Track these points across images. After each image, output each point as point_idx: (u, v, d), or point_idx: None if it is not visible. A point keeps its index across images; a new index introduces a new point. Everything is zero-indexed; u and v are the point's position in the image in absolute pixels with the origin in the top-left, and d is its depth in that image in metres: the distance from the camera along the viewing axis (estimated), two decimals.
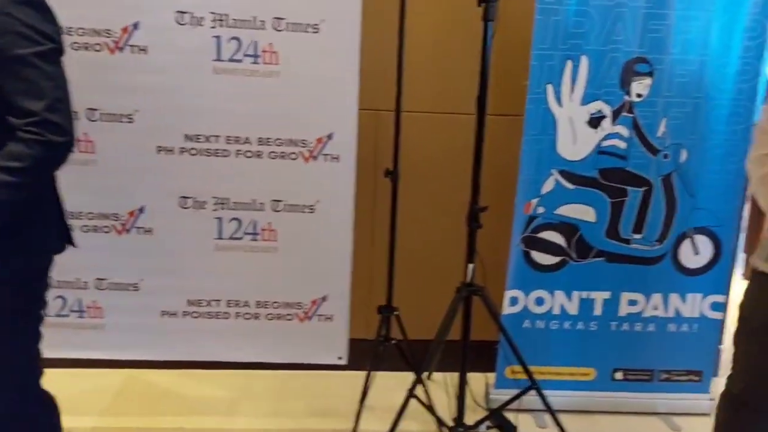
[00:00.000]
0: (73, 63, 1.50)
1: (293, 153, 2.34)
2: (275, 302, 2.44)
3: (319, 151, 2.35)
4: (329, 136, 2.35)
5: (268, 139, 2.32)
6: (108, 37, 2.19)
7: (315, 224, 2.40)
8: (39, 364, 1.61)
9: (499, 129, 2.55)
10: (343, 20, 2.26)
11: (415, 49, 2.48)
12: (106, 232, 2.32)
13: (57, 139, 1.39)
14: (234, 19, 2.23)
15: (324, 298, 2.45)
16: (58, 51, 1.44)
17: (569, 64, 2.40)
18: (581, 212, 2.55)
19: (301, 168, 2.36)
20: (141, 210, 2.32)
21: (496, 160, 2.45)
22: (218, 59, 2.25)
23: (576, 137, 2.47)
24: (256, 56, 2.27)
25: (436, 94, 2.76)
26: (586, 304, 2.62)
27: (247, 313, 2.43)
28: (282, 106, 2.31)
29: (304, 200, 2.39)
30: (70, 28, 2.13)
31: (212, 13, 2.22)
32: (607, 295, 2.63)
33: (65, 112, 1.42)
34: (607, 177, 2.53)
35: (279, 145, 2.33)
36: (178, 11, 2.20)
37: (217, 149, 2.31)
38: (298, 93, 2.31)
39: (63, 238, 1.62)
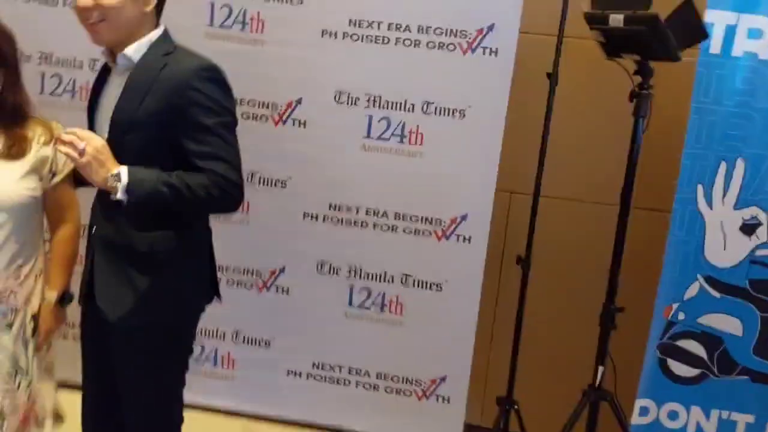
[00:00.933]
0: (241, 131, 1.64)
1: (427, 230, 2.40)
2: (395, 376, 2.45)
3: (451, 231, 2.39)
4: (463, 217, 2.38)
5: (405, 215, 2.41)
6: (275, 110, 2.41)
7: (441, 303, 2.41)
8: (182, 409, 1.73)
9: (643, 223, 2.45)
10: (490, 107, 2.33)
11: (560, 135, 2.48)
12: (248, 288, 2.48)
13: (234, 194, 1.54)
14: (386, 101, 2.38)
15: (443, 379, 2.43)
16: (235, 123, 1.61)
17: (723, 166, 2.29)
18: (727, 324, 2.35)
19: (433, 246, 2.40)
20: (282, 270, 2.46)
21: (636, 256, 2.35)
22: (368, 137, 2.40)
23: (726, 243, 2.32)
24: (402, 136, 2.39)
25: (577, 180, 2.72)
26: (726, 427, 2.38)
27: (367, 383, 2.46)
28: (421, 185, 2.40)
29: (433, 278, 2.42)
30: (242, 99, 2.37)
31: (367, 94, 2.38)
32: (750, 418, 2.36)
33: (240, 175, 1.57)
34: (758, 289, 2.33)
35: (414, 222, 2.40)
36: (338, 91, 2.39)
37: (356, 220, 2.42)
38: (438, 173, 2.38)
39: (212, 290, 1.75)
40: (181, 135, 1.51)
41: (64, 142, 1.38)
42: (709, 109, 2.27)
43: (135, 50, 1.55)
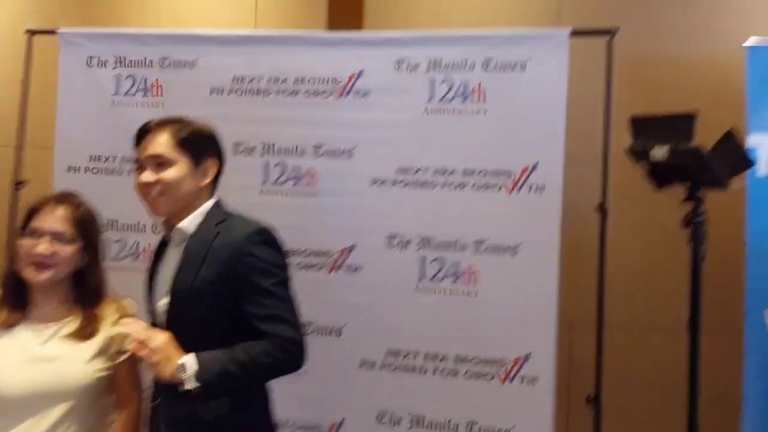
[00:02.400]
0: (296, 281, 1.64)
1: (490, 373, 2.32)
2: None
3: (515, 373, 2.31)
4: (527, 357, 2.31)
5: (466, 357, 2.33)
6: (329, 257, 2.44)
7: None
8: None
9: (716, 348, 2.34)
10: (542, 243, 2.32)
11: (616, 264, 2.44)
12: None
13: (298, 354, 1.52)
14: (438, 242, 2.40)
15: None
16: (289, 278, 1.62)
17: None
18: None
19: (497, 389, 2.31)
20: (341, 423, 2.37)
21: (714, 383, 2.22)
22: (421, 279, 2.40)
23: None
24: (456, 276, 2.38)
25: (639, 307, 2.64)
26: None
27: None
28: (480, 326, 2.35)
29: (499, 423, 2.30)
30: (296, 250, 2.41)
31: (419, 235, 2.41)
32: None
33: (301, 332, 1.55)
34: None
35: (476, 364, 2.33)
36: (389, 235, 2.42)
37: (415, 365, 2.36)
38: (496, 312, 2.33)
39: None
40: (241, 299, 1.52)
41: (133, 339, 1.41)
42: (765, 233, 2.24)
43: (189, 222, 1.60)
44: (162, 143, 1.58)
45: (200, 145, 1.62)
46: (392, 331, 2.38)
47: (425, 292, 2.39)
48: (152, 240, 2.48)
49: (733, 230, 2.34)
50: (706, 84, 2.67)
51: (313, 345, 2.34)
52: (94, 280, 1.59)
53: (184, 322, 1.54)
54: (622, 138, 2.26)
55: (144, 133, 1.62)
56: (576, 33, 2.37)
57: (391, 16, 2.91)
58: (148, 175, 1.57)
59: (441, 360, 2.35)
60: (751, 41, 2.36)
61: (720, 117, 2.32)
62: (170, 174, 1.56)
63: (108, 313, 1.60)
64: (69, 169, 2.60)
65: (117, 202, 2.40)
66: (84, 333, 1.54)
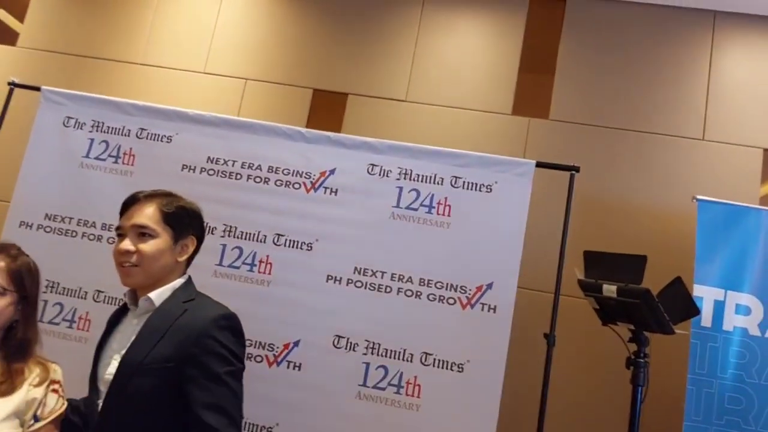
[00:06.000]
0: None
1: None
2: None
3: None
4: None
5: None
6: (271, 351, 2.37)
7: None
8: None
9: None
10: (489, 363, 2.31)
11: (559, 393, 2.43)
12: None
13: None
14: (385, 349, 2.37)
15: None
16: (242, 370, 1.57)
17: None
18: None
19: None
20: None
21: None
22: (364, 384, 2.34)
23: None
24: (399, 386, 2.33)
25: None
26: None
27: None
28: None
29: None
30: (250, 340, 2.34)
31: (367, 339, 2.37)
32: None
33: (240, 429, 1.49)
34: None
35: None
36: (337, 335, 2.38)
37: None
38: (436, 429, 2.27)
39: None
40: (189, 381, 1.47)
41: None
42: (705, 381, 2.29)
43: (158, 295, 1.57)
44: (147, 215, 1.58)
45: (184, 222, 1.63)
46: None
47: (366, 398, 2.32)
48: (92, 308, 2.41)
49: (676, 380, 2.38)
50: (657, 230, 2.82)
51: None
52: (24, 335, 1.51)
53: (128, 395, 1.47)
54: (573, 270, 2.34)
55: (132, 202, 1.62)
56: (541, 165, 2.50)
57: (369, 125, 3.03)
58: (127, 244, 1.55)
59: None
60: (702, 195, 2.52)
61: (669, 264, 2.44)
62: (150, 246, 1.56)
63: (32, 372, 1.51)
64: (21, 224, 2.53)
65: (63, 265, 2.34)
66: (3, 389, 1.44)
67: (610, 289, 2.19)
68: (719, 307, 2.33)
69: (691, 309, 2.16)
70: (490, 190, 2.47)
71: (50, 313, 2.40)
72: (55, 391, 1.53)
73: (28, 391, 1.48)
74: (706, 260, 2.41)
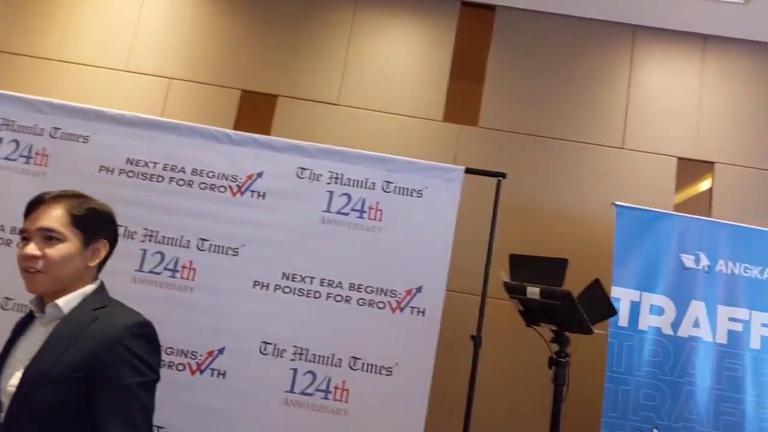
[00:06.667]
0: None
1: None
2: None
3: None
4: None
5: None
6: (193, 359, 2.30)
7: None
8: None
9: None
10: (417, 365, 2.33)
11: (485, 393, 2.48)
12: None
13: None
14: (314, 354, 2.34)
15: None
16: (157, 380, 1.51)
17: None
18: None
19: None
20: None
21: None
22: (291, 391, 2.30)
23: None
24: (327, 391, 2.31)
25: None
26: None
27: None
28: None
29: None
30: (161, 346, 2.26)
31: (295, 345, 2.34)
32: None
33: None
34: None
35: None
36: (263, 341, 2.34)
37: None
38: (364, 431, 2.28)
39: None
40: (98, 391, 1.40)
41: None
42: (621, 378, 2.38)
43: (66, 302, 1.49)
44: (55, 217, 1.48)
45: (95, 225, 1.54)
46: None
47: (294, 405, 2.29)
48: None
49: (596, 379, 2.47)
50: (578, 235, 2.93)
51: None
52: None
53: (33, 407, 1.38)
54: (500, 273, 2.39)
55: (37, 203, 1.52)
56: (470, 171, 2.55)
57: (300, 128, 3.00)
58: (33, 248, 1.45)
59: None
60: (620, 201, 2.64)
61: (588, 267, 2.52)
62: (57, 251, 1.46)
63: None
64: None
65: None
66: None
67: (533, 291, 2.25)
68: (635, 308, 2.44)
69: (609, 309, 2.25)
70: (421, 195, 2.49)
71: None
72: None
73: None
74: (624, 263, 2.52)
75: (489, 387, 2.58)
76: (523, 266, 2.37)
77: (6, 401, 1.44)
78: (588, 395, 2.52)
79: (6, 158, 2.44)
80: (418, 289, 2.41)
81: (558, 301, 2.19)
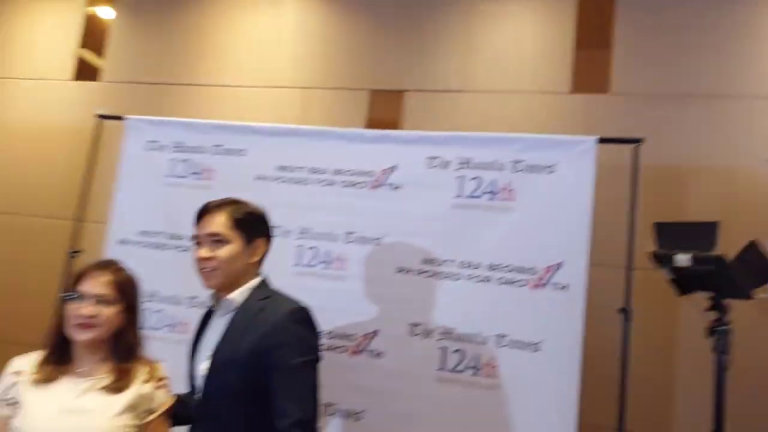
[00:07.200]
0: (321, 362, 1.73)
1: None
2: None
3: None
4: None
5: None
6: (351, 341, 2.51)
7: None
8: None
9: None
10: (564, 341, 2.34)
11: (639, 369, 2.42)
12: None
13: None
14: (460, 333, 2.44)
15: None
16: (318, 360, 1.71)
17: None
18: None
19: None
20: None
21: None
22: (442, 369, 2.42)
23: None
24: (476, 368, 2.40)
25: (662, 418, 2.58)
26: None
27: None
28: (498, 418, 2.34)
29: None
30: (321, 331, 2.48)
31: (442, 326, 2.46)
32: None
33: (317, 416, 1.64)
34: None
35: None
36: (412, 323, 2.48)
37: None
38: (516, 408, 2.33)
39: None
40: (270, 371, 1.62)
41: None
42: None
43: (237, 295, 1.74)
44: (219, 223, 1.74)
45: (253, 225, 1.78)
46: (411, 419, 2.39)
47: (446, 382, 2.41)
48: (187, 313, 2.63)
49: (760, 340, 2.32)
50: (729, 195, 2.73)
51: (333, 428, 2.42)
52: (130, 339, 1.69)
53: (219, 387, 1.66)
54: (646, 243, 2.32)
55: (204, 212, 1.79)
56: (603, 140, 2.49)
57: (428, 119, 3.10)
58: (205, 252, 1.73)
59: None
60: None
61: (742, 228, 2.37)
62: (224, 251, 1.72)
63: (140, 372, 1.69)
64: (120, 241, 2.80)
65: (159, 275, 2.57)
66: (116, 387, 1.63)
67: (683, 259, 2.17)
68: None
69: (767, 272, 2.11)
70: (553, 170, 2.48)
71: (153, 320, 2.64)
72: (162, 386, 1.72)
73: (139, 387, 1.66)
74: None
75: (642, 360, 2.51)
76: (670, 233, 2.28)
77: (200, 383, 1.72)
78: (756, 364, 2.36)
79: (180, 176, 2.82)
80: (559, 265, 2.41)
81: (711, 267, 2.10)
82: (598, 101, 2.98)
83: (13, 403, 1.61)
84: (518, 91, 3.08)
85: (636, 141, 2.50)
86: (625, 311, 2.36)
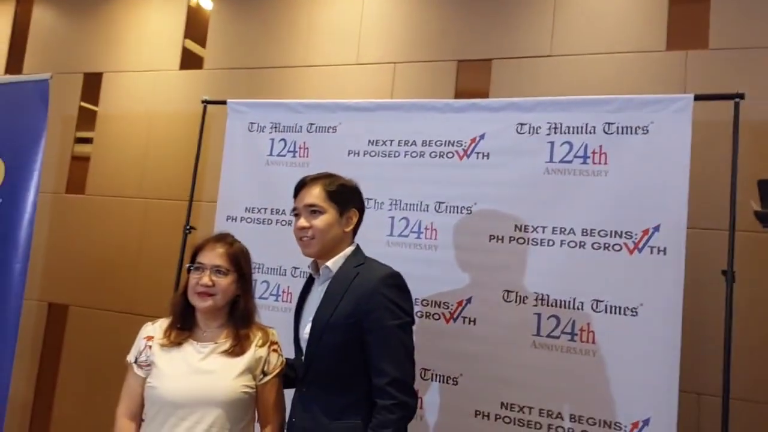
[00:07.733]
0: (417, 329, 1.84)
1: None
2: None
3: None
4: (646, 421, 2.26)
5: (581, 417, 2.33)
6: (446, 308, 2.58)
7: None
8: None
9: None
10: (664, 306, 2.29)
11: (744, 332, 2.33)
12: None
13: (409, 401, 1.69)
14: (555, 299, 2.45)
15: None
16: (412, 322, 1.81)
17: None
18: None
19: None
20: None
21: None
22: (537, 334, 2.45)
23: None
24: (573, 333, 2.40)
25: None
26: None
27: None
28: (594, 384, 2.34)
29: None
30: (416, 299, 2.56)
31: (535, 292, 2.47)
32: None
33: (413, 376, 1.74)
34: None
35: (591, 425, 2.32)
36: (506, 290, 2.52)
37: (529, 420, 2.39)
38: (614, 374, 2.32)
39: None
40: (366, 333, 1.75)
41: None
42: None
43: (334, 263, 1.88)
44: (315, 195, 1.88)
45: (345, 197, 1.91)
46: (507, 383, 2.44)
47: (541, 347, 2.43)
48: (291, 283, 2.81)
49: None
50: None
51: (431, 392, 2.52)
52: (245, 306, 1.86)
53: (322, 349, 1.80)
54: (748, 202, 2.22)
55: (301, 186, 1.94)
56: (699, 98, 2.39)
57: (517, 86, 3.08)
58: (303, 222, 1.88)
59: (555, 417, 2.36)
60: None
61: None
62: (321, 221, 1.86)
63: (256, 336, 1.86)
64: (228, 218, 3.02)
65: (265, 248, 2.75)
66: (235, 351, 1.80)
67: None
68: None
69: None
70: (647, 131, 2.42)
71: (260, 290, 2.85)
72: (275, 350, 1.88)
73: (255, 351, 1.83)
74: None
75: (747, 324, 2.41)
76: None
77: (304, 346, 1.87)
78: None
79: (279, 155, 2.99)
80: (656, 228, 2.35)
81: None
82: (695, 57, 2.83)
83: (148, 365, 1.82)
84: (610, 52, 2.98)
85: (736, 97, 2.37)
86: (728, 273, 2.27)
